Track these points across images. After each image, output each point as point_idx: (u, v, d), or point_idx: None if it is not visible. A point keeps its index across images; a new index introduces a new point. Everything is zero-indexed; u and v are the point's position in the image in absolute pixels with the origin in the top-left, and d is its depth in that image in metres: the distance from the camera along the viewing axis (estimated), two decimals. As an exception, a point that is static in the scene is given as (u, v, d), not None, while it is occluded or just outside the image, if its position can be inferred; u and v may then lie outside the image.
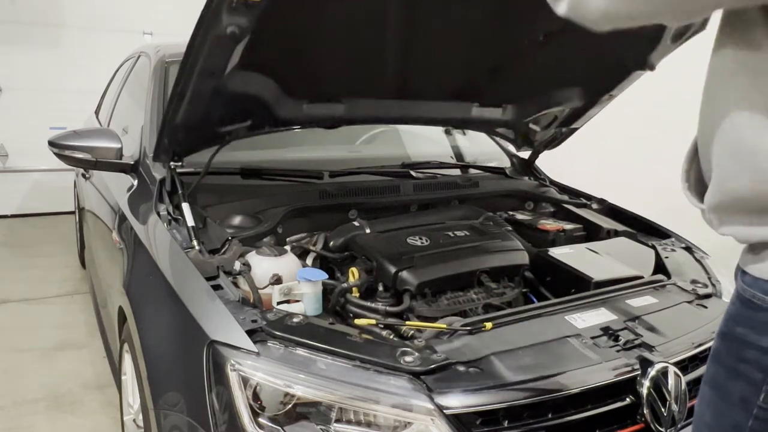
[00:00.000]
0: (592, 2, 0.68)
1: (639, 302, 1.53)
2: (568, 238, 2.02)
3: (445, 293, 1.59)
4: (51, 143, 1.99)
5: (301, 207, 1.83)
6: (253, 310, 1.27)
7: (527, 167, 2.58)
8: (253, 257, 1.48)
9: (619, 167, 3.88)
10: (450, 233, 1.76)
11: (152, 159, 1.85)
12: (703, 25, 1.57)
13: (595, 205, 2.31)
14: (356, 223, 1.76)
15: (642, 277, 1.70)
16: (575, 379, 1.20)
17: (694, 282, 1.69)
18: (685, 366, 1.34)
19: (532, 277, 1.79)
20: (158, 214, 1.68)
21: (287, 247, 1.64)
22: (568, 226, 2.07)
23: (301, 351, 1.17)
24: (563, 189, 2.46)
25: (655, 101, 3.31)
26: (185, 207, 1.62)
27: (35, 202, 5.63)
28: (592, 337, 1.33)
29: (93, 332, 2.99)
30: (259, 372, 1.13)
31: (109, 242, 2.09)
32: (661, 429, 1.22)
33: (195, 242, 1.50)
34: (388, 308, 1.48)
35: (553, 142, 2.43)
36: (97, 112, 3.89)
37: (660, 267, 1.81)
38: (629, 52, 1.87)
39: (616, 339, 1.33)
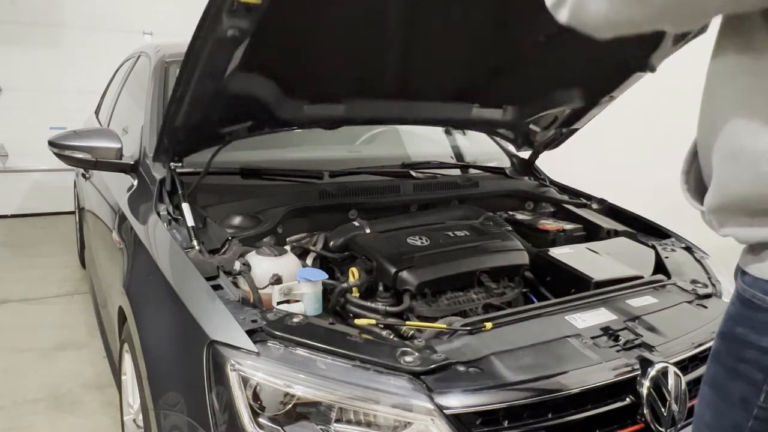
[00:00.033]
0: (593, 9, 0.68)
1: (639, 302, 1.53)
2: (568, 238, 2.02)
3: (445, 293, 1.59)
4: (51, 143, 1.99)
5: (301, 207, 1.83)
6: (253, 310, 1.27)
7: (527, 167, 2.58)
8: (253, 257, 1.48)
9: (619, 167, 3.88)
10: (450, 233, 1.76)
11: (152, 159, 1.85)
12: (703, 27, 1.57)
13: (595, 205, 2.31)
14: (356, 223, 1.76)
15: (642, 277, 1.70)
16: (575, 379, 1.20)
17: (694, 282, 1.69)
18: (685, 366, 1.34)
19: (532, 277, 1.79)
20: (158, 214, 1.68)
21: (287, 247, 1.64)
22: (568, 226, 2.07)
23: (301, 351, 1.17)
24: (563, 189, 2.46)
25: (655, 101, 3.31)
26: (185, 207, 1.62)
27: (35, 202, 5.63)
28: (592, 337, 1.33)
29: (93, 332, 2.99)
30: (259, 372, 1.13)
31: (109, 242, 2.09)
32: (661, 429, 1.22)
33: (195, 242, 1.50)
34: (388, 308, 1.48)
35: (554, 143, 2.43)
36: (97, 112, 3.89)
37: (660, 267, 1.81)
38: (630, 53, 1.87)
39: (616, 339, 1.33)
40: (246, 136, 1.82)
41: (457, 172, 2.43)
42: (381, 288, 1.56)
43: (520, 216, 2.17)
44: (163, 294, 1.44)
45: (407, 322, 1.41)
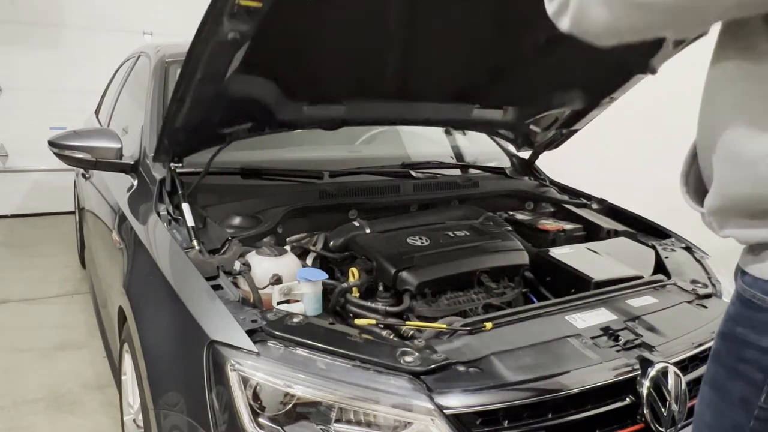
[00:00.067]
0: (594, 17, 0.68)
1: (639, 302, 1.53)
2: (568, 238, 2.02)
3: (445, 293, 1.59)
4: (51, 143, 1.99)
5: (301, 207, 1.83)
6: (253, 310, 1.27)
7: (527, 167, 2.58)
8: (253, 257, 1.48)
9: (619, 167, 3.88)
10: (450, 233, 1.76)
11: (152, 159, 1.85)
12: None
13: (595, 205, 2.31)
14: (356, 223, 1.76)
15: (642, 277, 1.70)
16: (575, 379, 1.20)
17: (694, 282, 1.69)
18: (685, 366, 1.34)
19: (532, 277, 1.79)
20: (158, 214, 1.68)
21: (287, 247, 1.64)
22: (568, 226, 2.07)
23: (301, 351, 1.17)
24: (563, 189, 2.46)
25: (656, 102, 3.31)
26: (185, 207, 1.62)
27: (35, 202, 5.63)
28: (592, 337, 1.33)
29: (93, 332, 2.99)
30: (259, 372, 1.13)
31: (109, 242, 2.09)
32: (661, 429, 1.22)
33: (195, 242, 1.50)
34: (388, 308, 1.48)
35: (554, 143, 2.43)
36: (97, 112, 3.89)
37: (660, 267, 1.81)
38: (631, 56, 1.87)
39: (616, 339, 1.33)
40: (246, 136, 1.82)
41: (457, 172, 2.43)
42: (381, 288, 1.56)
43: (520, 216, 2.17)
44: (163, 294, 1.44)
45: (407, 322, 1.41)
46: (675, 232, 2.08)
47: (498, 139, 2.68)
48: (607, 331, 1.36)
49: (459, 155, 2.68)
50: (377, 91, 1.90)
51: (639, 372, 1.25)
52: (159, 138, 1.68)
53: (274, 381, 1.12)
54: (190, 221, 1.57)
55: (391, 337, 1.36)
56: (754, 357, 0.72)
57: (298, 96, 1.76)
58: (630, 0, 0.65)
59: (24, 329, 3.17)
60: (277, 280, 1.40)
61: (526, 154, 2.59)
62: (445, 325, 1.33)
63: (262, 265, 1.45)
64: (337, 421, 1.10)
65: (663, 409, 1.22)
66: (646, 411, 1.22)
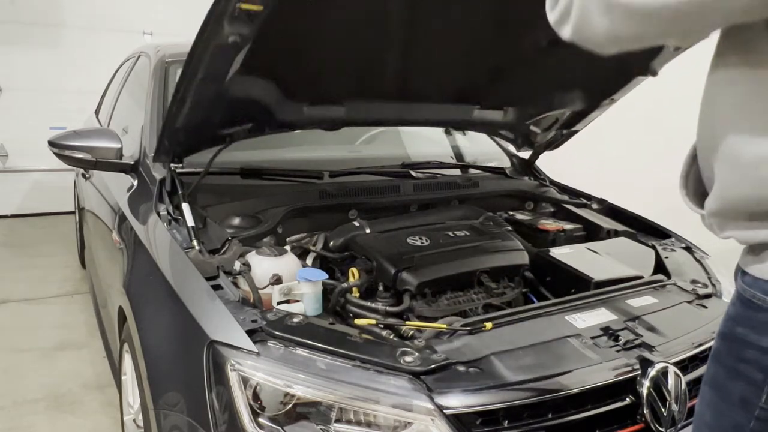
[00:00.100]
0: (595, 26, 0.68)
1: (639, 302, 1.53)
2: (568, 238, 2.02)
3: (445, 293, 1.59)
4: (51, 143, 1.99)
5: (301, 207, 1.83)
6: (253, 310, 1.27)
7: (527, 167, 2.58)
8: (253, 257, 1.48)
9: (619, 167, 3.88)
10: (450, 233, 1.76)
11: (152, 159, 1.85)
12: None
13: (595, 205, 2.31)
14: (356, 223, 1.76)
15: (642, 277, 1.70)
16: (575, 379, 1.20)
17: (694, 282, 1.69)
18: (685, 366, 1.34)
19: (532, 277, 1.79)
20: (158, 214, 1.68)
21: (287, 247, 1.64)
22: (568, 226, 2.07)
23: (301, 351, 1.17)
24: (563, 189, 2.46)
25: (656, 102, 3.32)
26: (185, 207, 1.62)
27: (35, 202, 5.63)
28: (592, 337, 1.33)
29: (93, 332, 2.98)
30: (259, 372, 1.13)
31: (109, 242, 2.09)
32: (661, 429, 1.22)
33: (195, 242, 1.50)
34: (388, 308, 1.48)
35: (554, 144, 2.43)
36: (97, 112, 3.89)
37: (660, 267, 1.81)
38: (632, 57, 1.85)
39: (616, 339, 1.33)
40: (246, 137, 1.82)
41: (457, 172, 2.43)
42: (381, 288, 1.56)
43: (520, 216, 2.17)
44: (163, 294, 1.44)
45: (407, 322, 1.41)
46: (675, 232, 2.08)
47: (498, 139, 2.68)
48: (607, 331, 1.36)
49: (459, 155, 2.68)
50: (377, 91, 1.90)
51: (639, 372, 1.25)
52: (159, 138, 1.68)
53: (274, 381, 1.12)
54: (190, 221, 1.57)
55: (391, 337, 1.36)
56: (754, 357, 0.72)
57: (298, 96, 1.76)
58: (631, 10, 0.64)
59: (24, 329, 3.17)
60: (277, 280, 1.40)
61: (526, 154, 2.59)
62: (445, 325, 1.33)
63: (262, 265, 1.45)
64: (337, 421, 1.10)
65: (663, 409, 1.22)
66: (646, 411, 1.22)
